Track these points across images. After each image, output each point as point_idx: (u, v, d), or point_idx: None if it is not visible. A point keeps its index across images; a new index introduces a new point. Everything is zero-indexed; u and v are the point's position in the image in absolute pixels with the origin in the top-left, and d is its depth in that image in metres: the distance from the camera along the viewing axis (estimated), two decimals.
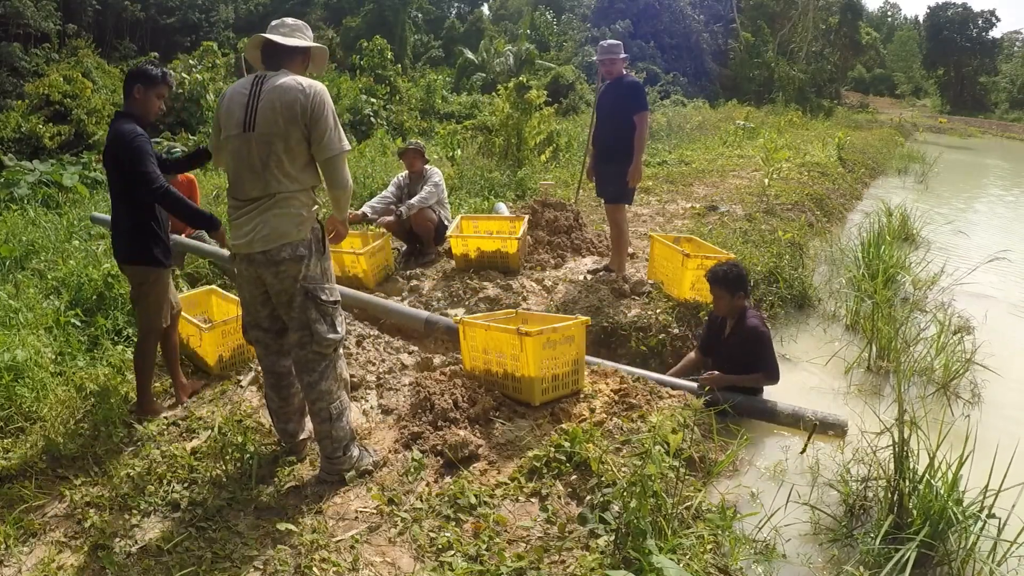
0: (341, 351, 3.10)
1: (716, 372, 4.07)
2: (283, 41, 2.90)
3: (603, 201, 5.80)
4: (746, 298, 4.21)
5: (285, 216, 2.82)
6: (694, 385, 4.09)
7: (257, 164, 2.81)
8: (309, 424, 3.27)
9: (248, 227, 2.86)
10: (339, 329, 3.00)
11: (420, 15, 47.85)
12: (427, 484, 3.08)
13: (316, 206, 2.94)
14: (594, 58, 5.71)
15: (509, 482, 3.09)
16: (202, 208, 3.58)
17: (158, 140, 13.95)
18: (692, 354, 4.50)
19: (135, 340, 4.46)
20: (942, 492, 2.90)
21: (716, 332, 4.31)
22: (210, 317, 4.73)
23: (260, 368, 3.26)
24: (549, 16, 41.08)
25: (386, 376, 4.11)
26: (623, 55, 5.50)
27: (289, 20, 3.03)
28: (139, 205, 3.41)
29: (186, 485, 3.04)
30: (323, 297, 2.93)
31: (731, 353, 4.16)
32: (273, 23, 3.02)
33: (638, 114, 5.27)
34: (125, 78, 3.53)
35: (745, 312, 4.17)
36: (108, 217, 6.59)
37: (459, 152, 11.18)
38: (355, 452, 3.14)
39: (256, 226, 2.84)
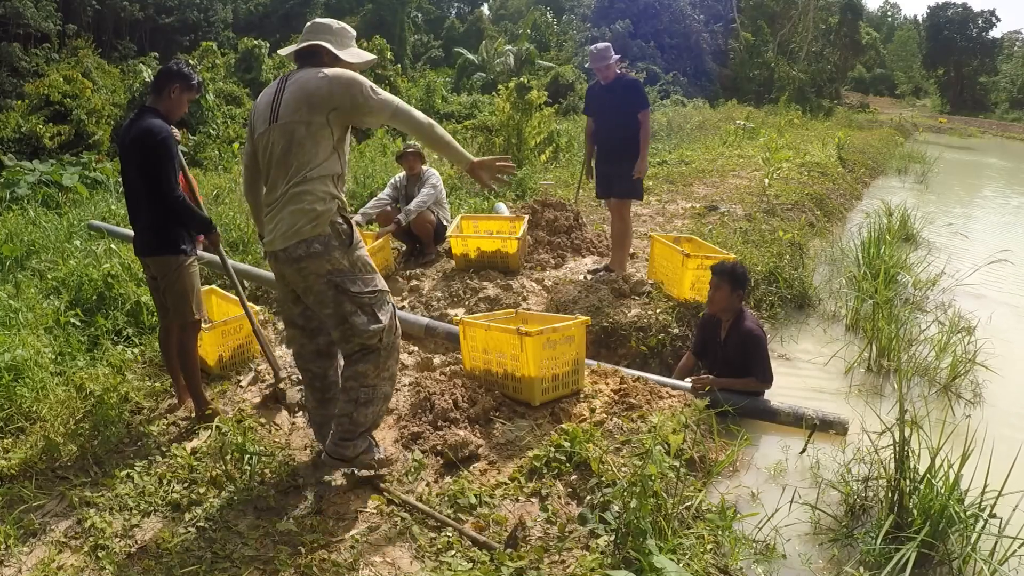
0: (398, 342, 3.00)
1: (708, 376, 4.09)
2: (295, 49, 2.96)
3: (610, 199, 5.79)
4: (743, 299, 4.24)
5: (299, 212, 2.78)
6: (690, 386, 4.10)
7: (279, 153, 2.82)
8: None
9: (272, 224, 2.87)
10: (382, 318, 2.88)
11: (420, 15, 47.84)
12: (427, 484, 3.07)
13: (335, 200, 2.84)
14: (587, 64, 5.79)
15: (509, 482, 3.08)
16: (199, 216, 3.52)
17: None
18: (685, 358, 4.52)
19: (135, 341, 4.49)
20: (943, 491, 2.90)
21: (711, 334, 4.31)
22: (210, 317, 4.73)
23: (297, 368, 3.25)
24: (549, 16, 41.06)
25: None
26: (615, 56, 5.58)
27: (320, 22, 3.01)
28: (156, 199, 3.39)
29: (186, 485, 3.03)
30: (354, 289, 2.83)
31: (727, 356, 4.17)
32: (312, 24, 3.02)
33: (643, 112, 5.46)
34: (160, 75, 3.49)
35: (742, 314, 4.18)
36: (107, 225, 6.61)
37: None
38: (364, 444, 3.04)
39: (277, 223, 2.83)
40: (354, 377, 2.92)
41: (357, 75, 2.84)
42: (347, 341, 2.89)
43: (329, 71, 2.82)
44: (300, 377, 3.43)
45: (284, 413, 3.73)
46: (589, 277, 5.65)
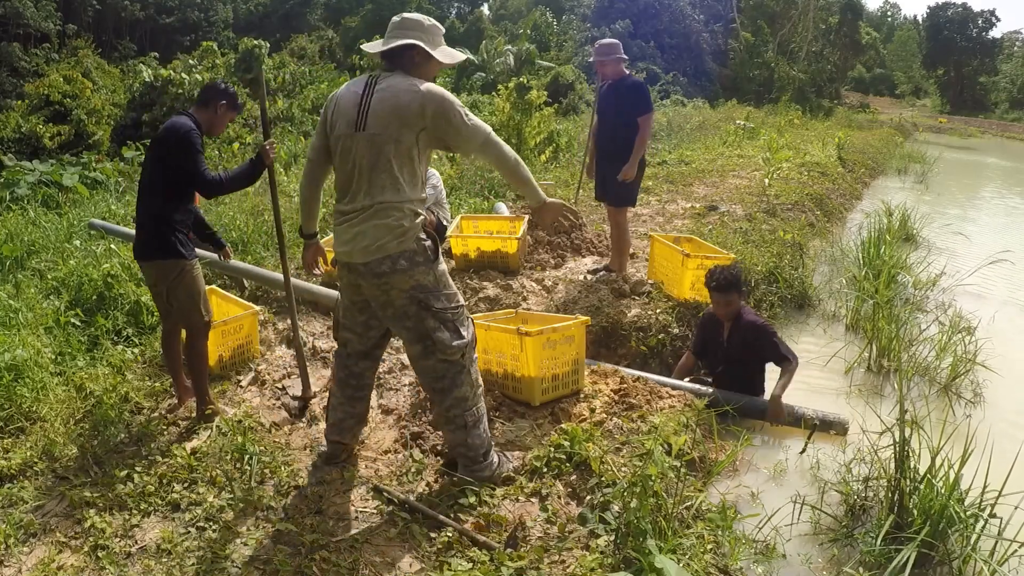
0: (475, 355, 2.96)
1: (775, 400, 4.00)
2: (387, 48, 2.80)
3: (605, 203, 5.78)
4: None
5: (385, 227, 2.69)
6: (694, 387, 4.11)
7: (365, 166, 2.71)
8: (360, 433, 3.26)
9: (349, 235, 2.76)
10: (464, 334, 2.84)
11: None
12: (427, 484, 3.07)
13: (421, 217, 2.78)
14: (591, 59, 5.66)
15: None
16: (243, 169, 3.49)
17: None
18: (684, 358, 4.52)
19: (135, 341, 4.49)
20: (943, 492, 2.90)
21: (712, 334, 4.31)
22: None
23: (335, 363, 3.18)
24: (549, 16, 41.04)
25: (386, 376, 4.11)
26: (621, 55, 5.42)
27: (410, 17, 2.84)
28: (161, 199, 3.37)
29: (186, 485, 3.03)
30: (438, 305, 2.77)
31: (731, 354, 4.17)
32: (393, 19, 2.88)
33: (643, 116, 5.23)
34: (209, 88, 3.54)
35: (740, 311, 4.19)
36: (107, 224, 6.61)
37: None
38: (495, 459, 3.03)
39: (356, 235, 2.73)
40: (455, 405, 2.88)
41: (451, 95, 2.71)
42: (427, 357, 2.83)
43: (423, 86, 2.68)
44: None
45: (284, 413, 3.73)
46: (589, 277, 5.64)
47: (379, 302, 2.81)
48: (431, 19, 2.87)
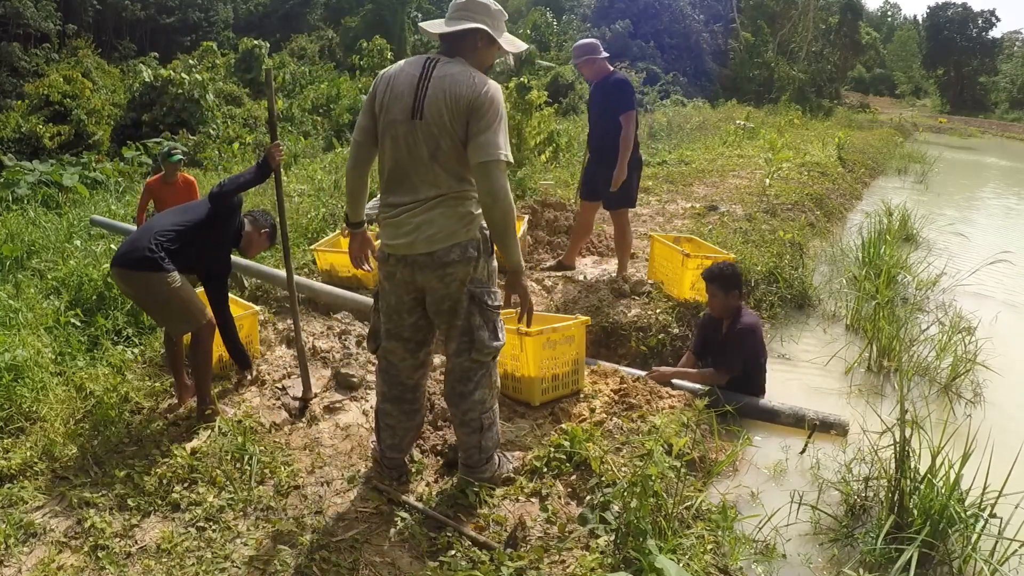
0: (497, 358, 2.91)
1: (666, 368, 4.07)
2: (446, 30, 2.62)
3: (590, 202, 5.73)
4: (740, 298, 4.22)
5: (453, 215, 2.58)
6: (694, 386, 4.10)
7: (425, 157, 2.56)
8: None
9: (409, 226, 2.60)
10: (500, 336, 2.79)
11: (420, 15, 47.82)
12: (427, 484, 3.07)
13: (480, 208, 2.67)
14: (573, 61, 5.53)
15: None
16: (251, 175, 3.59)
17: (158, 140, 13.94)
18: (684, 358, 4.52)
19: (135, 341, 4.49)
20: (943, 491, 2.90)
21: (711, 334, 4.31)
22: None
23: (381, 381, 2.98)
24: (549, 16, 41.06)
25: None
26: (591, 55, 5.29)
27: (477, 0, 2.63)
28: (191, 236, 3.49)
29: (186, 485, 3.03)
30: (489, 302, 2.71)
31: (724, 353, 4.17)
32: (466, 1, 2.65)
33: (624, 114, 5.10)
34: (263, 213, 3.84)
35: (740, 312, 4.18)
36: (109, 220, 6.61)
37: None
38: (496, 459, 3.02)
39: (420, 225, 2.59)
40: (473, 408, 2.83)
41: (503, 107, 2.55)
42: (459, 355, 2.78)
43: (480, 80, 2.53)
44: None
45: (284, 413, 3.73)
46: (544, 276, 5.56)
47: (437, 295, 2.69)
48: (496, 3, 2.71)
